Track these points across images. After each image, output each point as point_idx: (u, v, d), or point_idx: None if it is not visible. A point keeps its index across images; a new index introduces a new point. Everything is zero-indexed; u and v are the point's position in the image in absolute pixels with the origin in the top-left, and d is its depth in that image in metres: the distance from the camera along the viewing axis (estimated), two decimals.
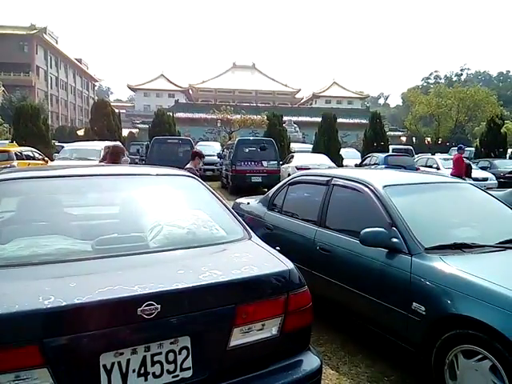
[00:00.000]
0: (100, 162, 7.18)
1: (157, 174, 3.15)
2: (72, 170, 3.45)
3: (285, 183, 4.88)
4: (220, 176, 17.56)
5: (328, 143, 21.65)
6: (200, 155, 7.08)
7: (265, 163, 14.43)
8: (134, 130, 45.14)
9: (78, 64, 66.98)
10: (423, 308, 2.76)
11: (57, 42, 59.18)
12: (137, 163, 24.36)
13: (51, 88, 57.01)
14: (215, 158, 19.48)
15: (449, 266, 2.77)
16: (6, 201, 2.64)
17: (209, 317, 1.90)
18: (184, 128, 33.31)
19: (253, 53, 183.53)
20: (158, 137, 16.72)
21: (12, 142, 19.59)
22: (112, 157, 6.06)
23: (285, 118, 27.01)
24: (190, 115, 43.31)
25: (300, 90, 77.31)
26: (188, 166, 6.80)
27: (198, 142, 23.27)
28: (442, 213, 3.64)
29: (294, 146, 23.41)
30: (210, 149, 22.07)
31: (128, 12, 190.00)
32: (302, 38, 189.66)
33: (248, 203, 5.45)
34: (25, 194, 2.68)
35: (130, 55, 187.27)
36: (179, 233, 2.39)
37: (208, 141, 29.79)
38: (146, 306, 1.73)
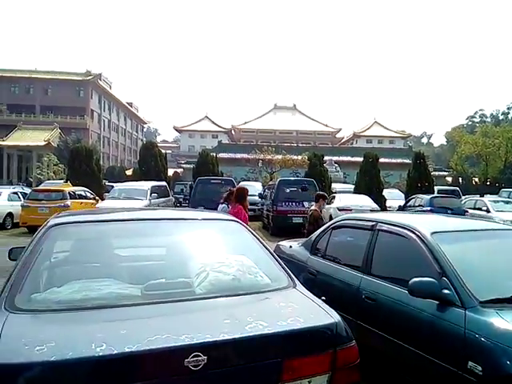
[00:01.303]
0: (222, 203, 7.37)
1: (202, 219, 3.22)
2: (121, 214, 3.61)
3: (328, 227, 4.82)
4: (261, 216, 17.64)
5: (370, 184, 21.37)
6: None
7: (306, 204, 14.38)
8: (179, 170, 46.68)
9: (129, 107, 71.14)
10: (480, 368, 2.58)
11: (110, 87, 63.43)
12: (181, 202, 25.09)
13: (104, 130, 60.66)
14: (256, 198, 19.68)
15: (507, 322, 2.62)
16: (60, 244, 2.73)
17: (255, 371, 1.86)
18: (226, 168, 34.11)
19: (294, 93, 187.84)
20: (202, 177, 17.20)
21: (66, 181, 20.80)
22: (237, 198, 6.40)
23: (325, 158, 27.09)
24: (232, 155, 44.37)
25: (340, 129, 77.78)
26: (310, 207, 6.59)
27: (239, 181, 23.70)
28: (497, 263, 3.45)
29: (335, 186, 23.31)
30: (252, 189, 22.17)
31: (176, 57, 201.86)
32: (342, 77, 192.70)
33: (290, 247, 5.39)
34: (77, 237, 2.81)
35: (177, 98, 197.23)
36: (224, 279, 2.40)
37: (249, 180, 30.24)
38: (193, 357, 1.72)
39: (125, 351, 1.68)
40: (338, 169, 32.59)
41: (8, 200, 16.03)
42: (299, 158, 34.47)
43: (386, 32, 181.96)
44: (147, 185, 17.51)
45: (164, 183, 20.42)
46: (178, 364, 1.72)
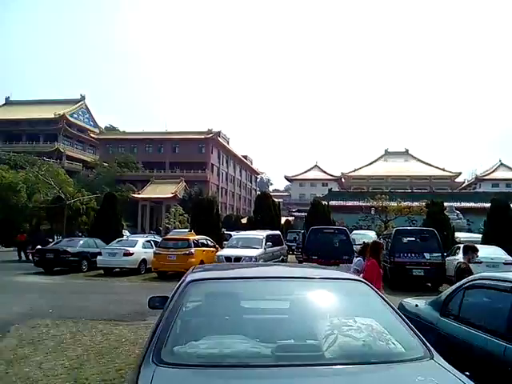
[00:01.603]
0: (357, 256, 7.52)
1: (327, 278, 3.22)
2: (248, 270, 3.88)
3: (460, 286, 4.40)
4: None
5: (501, 233, 19.33)
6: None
7: (427, 255, 13.61)
8: (291, 218, 47.63)
9: (244, 160, 75.99)
10: None
11: (228, 143, 68.91)
12: (293, 250, 25.53)
13: (222, 182, 65.51)
14: None
15: None
16: (195, 298, 2.88)
17: None
18: (337, 215, 33.94)
19: (406, 137, 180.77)
20: (315, 227, 17.43)
21: (190, 230, 22.77)
22: (371, 252, 6.61)
23: (445, 205, 25.42)
24: (342, 203, 44.02)
25: (460, 173, 72.28)
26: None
27: (351, 229, 23.39)
28: None
29: (458, 235, 21.55)
30: (365, 237, 21.87)
31: (287, 110, 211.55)
32: (460, 116, 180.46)
33: (416, 305, 5.06)
34: (210, 292, 2.96)
35: (288, 148, 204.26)
36: (354, 344, 2.32)
37: (362, 229, 29.58)
38: None
39: None
40: (461, 216, 30.12)
41: (142, 247, 18.04)
42: (415, 204, 32.83)
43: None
44: (262, 234, 18.30)
45: (278, 232, 21.13)
46: None
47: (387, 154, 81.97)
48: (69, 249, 17.73)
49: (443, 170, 74.93)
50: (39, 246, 19.51)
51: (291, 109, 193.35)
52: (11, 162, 37.99)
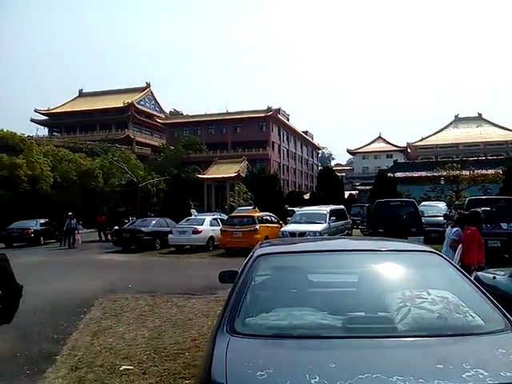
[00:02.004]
0: (453, 226, 7.14)
1: (397, 250, 3.11)
2: (314, 244, 3.89)
3: None
4: None
5: None
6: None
7: (504, 225, 12.74)
8: (354, 192, 46.67)
9: (305, 136, 75.04)
10: None
11: (288, 119, 68.32)
12: (358, 224, 25.11)
13: (283, 159, 65.41)
14: (441, 219, 18.31)
15: None
16: (264, 272, 2.91)
17: None
18: (403, 188, 32.64)
19: (478, 101, 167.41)
20: (381, 199, 16.94)
21: (254, 207, 23.18)
22: (472, 221, 6.37)
23: None
24: (409, 174, 42.18)
25: None
26: None
27: (419, 201, 22.38)
28: None
29: None
30: (435, 209, 20.90)
31: (346, 81, 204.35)
32: None
33: (494, 277, 4.87)
34: (278, 266, 3.02)
35: (349, 121, 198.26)
36: (429, 317, 2.24)
37: (430, 200, 28.21)
38: None
39: None
40: None
41: (210, 225, 18.75)
42: (490, 172, 30.61)
43: None
44: (326, 209, 18.17)
45: (342, 206, 20.83)
46: None
47: (458, 120, 76.49)
48: (143, 228, 18.93)
49: None
50: (116, 227, 21.03)
51: (351, 80, 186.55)
52: (88, 150, 40.87)
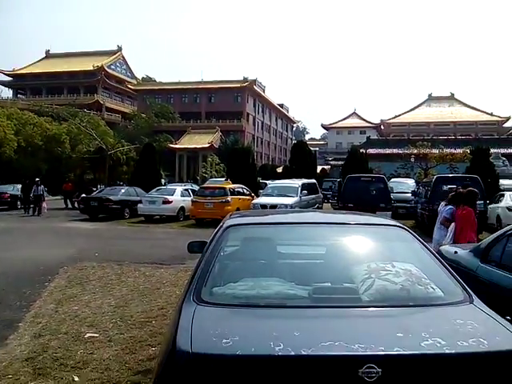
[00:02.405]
0: (447, 204, 7.15)
1: (365, 223, 3.15)
2: (284, 216, 3.87)
3: (504, 233, 4.26)
4: (415, 214, 16.82)
5: None
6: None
7: None
8: (327, 167, 47.18)
9: (280, 108, 74.51)
10: None
11: (264, 91, 67.45)
12: (329, 199, 25.47)
13: (257, 131, 64.95)
14: (409, 195, 18.81)
15: None
16: (233, 243, 2.92)
17: None
18: (375, 164, 33.19)
19: (450, 81, 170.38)
20: (352, 175, 17.17)
21: (227, 179, 23.09)
22: (468, 200, 6.30)
23: (491, 151, 24.22)
24: (381, 151, 42.90)
25: (509, 118, 67.83)
26: None
27: (389, 177, 22.85)
28: None
29: (503, 182, 20.66)
30: (404, 185, 21.43)
31: (323, 55, 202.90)
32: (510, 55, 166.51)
33: (456, 252, 4.94)
34: (247, 237, 3.01)
35: (325, 96, 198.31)
36: (392, 288, 2.29)
37: (399, 177, 28.88)
38: (366, 368, 1.64)
39: (301, 354, 1.69)
40: (507, 163, 28.69)
41: (181, 196, 18.56)
42: (458, 151, 31.47)
43: None
44: (298, 182, 18.29)
45: (313, 180, 21.02)
46: (351, 373, 1.66)
47: (431, 98, 77.75)
48: (111, 197, 18.54)
49: (491, 114, 70.51)
50: (84, 195, 20.51)
51: (328, 54, 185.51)
52: (54, 114, 39.21)
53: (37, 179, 21.10)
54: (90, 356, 4.00)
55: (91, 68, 61.82)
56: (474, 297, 2.30)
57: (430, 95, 78.37)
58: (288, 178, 23.51)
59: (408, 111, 75.71)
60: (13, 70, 66.63)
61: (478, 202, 12.94)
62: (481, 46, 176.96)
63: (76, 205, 21.61)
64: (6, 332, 4.64)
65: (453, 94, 77.31)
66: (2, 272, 7.48)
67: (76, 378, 3.55)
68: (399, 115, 74.62)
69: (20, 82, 66.30)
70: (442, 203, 7.61)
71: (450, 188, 7.45)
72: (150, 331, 4.68)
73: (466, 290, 2.35)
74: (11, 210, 21.77)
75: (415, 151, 33.46)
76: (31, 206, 20.60)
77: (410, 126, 69.62)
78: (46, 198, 21.80)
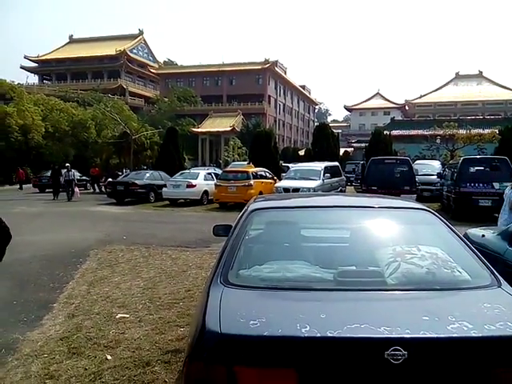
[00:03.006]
0: None
1: (390, 207, 3.14)
2: (309, 200, 3.87)
3: None
4: (440, 197, 16.50)
5: None
6: None
7: (496, 185, 12.83)
8: (349, 149, 46.49)
9: (302, 90, 73.48)
10: None
11: (285, 73, 66.55)
12: (352, 181, 25.23)
13: (279, 114, 64.41)
14: (435, 177, 18.43)
15: None
16: (258, 226, 2.94)
17: (457, 375, 1.73)
18: (399, 145, 32.53)
19: (479, 60, 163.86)
20: (375, 157, 16.92)
21: (249, 163, 23.10)
22: None
23: None
24: (405, 132, 41.92)
25: None
26: None
27: (413, 159, 22.38)
28: None
29: None
30: (429, 167, 20.96)
31: (346, 36, 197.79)
32: None
33: (483, 236, 4.88)
34: (273, 220, 3.04)
35: (348, 77, 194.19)
36: (418, 272, 2.30)
37: (425, 158, 28.25)
38: (392, 350, 1.66)
39: (327, 335, 1.71)
40: None
41: (204, 180, 18.75)
42: (487, 131, 30.46)
43: None
44: (321, 165, 18.15)
45: (336, 163, 20.83)
46: (377, 355, 1.67)
47: (458, 77, 75.03)
48: (137, 181, 18.90)
49: None
50: (110, 179, 20.96)
51: (351, 33, 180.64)
52: (79, 99, 39.84)
53: (67, 164, 21.53)
54: (121, 336, 4.18)
55: (114, 52, 62.17)
56: (502, 280, 2.27)
57: (457, 73, 75.67)
58: (310, 160, 23.37)
59: (434, 91, 73.40)
60: (37, 56, 67.76)
61: (506, 184, 12.80)
62: (510, 21, 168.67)
63: (103, 189, 22.12)
64: (40, 312, 4.86)
65: (481, 72, 74.39)
66: (35, 255, 7.78)
67: (109, 357, 3.71)
68: (425, 95, 72.46)
69: (45, 68, 67.38)
70: (509, 186, 7.48)
71: None
72: (177, 312, 4.83)
73: (493, 273, 2.32)
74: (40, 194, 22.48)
75: (441, 132, 32.57)
76: (60, 190, 20.92)
77: (435, 106, 67.60)
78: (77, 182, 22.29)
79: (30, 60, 67.99)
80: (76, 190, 20.76)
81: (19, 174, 27.88)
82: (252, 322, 1.79)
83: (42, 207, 17.38)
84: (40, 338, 4.16)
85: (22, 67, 67.39)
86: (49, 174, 23.58)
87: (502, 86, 70.33)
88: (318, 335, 1.71)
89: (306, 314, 1.90)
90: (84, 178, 27.01)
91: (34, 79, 67.51)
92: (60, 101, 37.03)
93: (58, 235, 10.22)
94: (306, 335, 1.71)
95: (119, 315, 4.75)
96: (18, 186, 27.18)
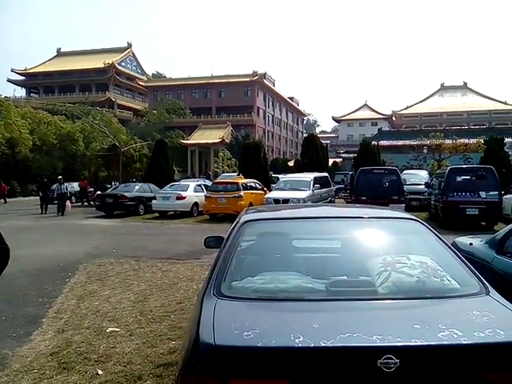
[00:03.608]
0: None
1: (379, 217, 3.18)
2: (299, 211, 3.91)
3: None
4: (428, 207, 16.70)
5: None
6: None
7: (482, 194, 13.07)
8: (338, 160, 46.87)
9: (290, 102, 74.13)
10: None
11: (274, 85, 67.17)
12: (341, 191, 25.38)
13: (268, 125, 64.83)
14: (422, 187, 18.66)
15: None
16: (250, 238, 2.94)
17: (448, 382, 1.77)
18: (387, 155, 32.86)
19: (464, 71, 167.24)
20: (364, 167, 17.08)
21: (239, 174, 23.12)
22: None
23: (506, 141, 23.82)
24: (393, 142, 42.46)
25: None
26: None
27: (401, 169, 22.65)
28: None
29: None
30: (417, 177, 21.24)
31: (333, 47, 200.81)
32: None
33: (471, 244, 4.92)
34: (264, 232, 3.04)
35: (335, 88, 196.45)
36: (408, 281, 2.33)
37: (412, 168, 28.61)
38: (384, 358, 1.68)
39: (320, 345, 1.72)
40: None
41: (194, 191, 18.68)
42: (472, 141, 31.01)
43: None
44: (310, 176, 18.25)
45: (325, 174, 20.96)
46: (370, 364, 1.70)
47: (443, 88, 76.53)
48: (126, 194, 18.77)
49: (505, 103, 69.08)
50: (99, 192, 20.78)
51: (338, 46, 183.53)
52: (67, 112, 39.59)
53: (60, 177, 21.09)
54: (112, 350, 4.13)
55: (102, 65, 62.32)
56: (490, 288, 2.30)
57: (442, 85, 77.20)
58: (300, 171, 23.48)
59: (420, 102, 74.70)
60: (25, 69, 67.50)
61: (492, 193, 13.06)
62: (494, 33, 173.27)
63: (91, 202, 21.90)
64: (30, 328, 4.78)
65: (466, 83, 76.04)
66: (23, 269, 7.65)
67: (100, 372, 3.66)
68: (411, 106, 73.68)
69: (32, 81, 67.12)
70: None
71: None
72: (169, 325, 4.79)
73: (481, 281, 2.35)
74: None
75: (428, 142, 33.02)
76: (48, 204, 20.45)
77: (422, 116, 68.73)
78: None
79: (17, 73, 67.66)
80: (67, 203, 20.16)
81: (1, 188, 27.05)
82: (246, 333, 1.80)
83: (30, 221, 17.15)
84: (30, 353, 4.10)
85: (8, 80, 67.07)
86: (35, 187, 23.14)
87: (486, 97, 71.90)
88: (312, 345, 1.72)
89: (299, 324, 1.91)
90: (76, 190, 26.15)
91: (21, 92, 67.21)
92: (48, 114, 36.85)
93: (46, 249, 10.08)
94: (299, 345, 1.72)
95: (109, 329, 4.69)
96: (2, 201, 26.43)
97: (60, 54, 70.67)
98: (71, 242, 11.42)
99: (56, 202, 20.19)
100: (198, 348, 1.79)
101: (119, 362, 3.85)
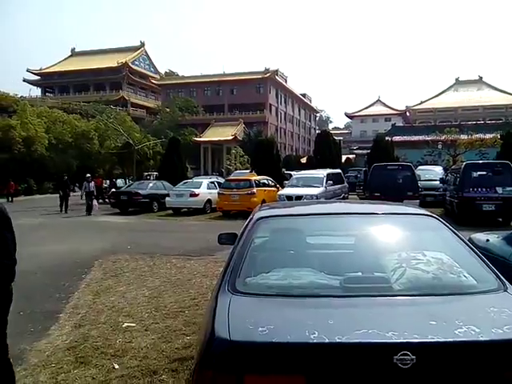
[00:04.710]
0: None
1: (395, 213, 3.15)
2: (313, 207, 3.93)
3: None
4: (443, 203, 16.48)
5: None
6: None
7: (499, 189, 12.83)
8: (351, 156, 46.55)
9: (303, 98, 73.75)
10: None
11: (286, 81, 66.89)
12: (355, 188, 25.22)
13: (280, 122, 64.60)
14: (437, 182, 18.42)
15: None
16: (264, 234, 2.95)
17: (467, 379, 1.75)
18: (401, 151, 32.49)
19: (479, 65, 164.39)
20: (378, 164, 16.92)
21: (251, 171, 23.16)
22: None
23: None
24: (407, 138, 41.90)
25: None
26: None
27: (415, 165, 22.36)
28: None
29: None
30: (431, 173, 20.98)
31: (345, 43, 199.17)
32: None
33: (487, 240, 4.90)
34: (278, 228, 3.04)
35: (348, 84, 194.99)
36: (424, 277, 2.32)
37: (427, 164, 28.24)
38: (401, 355, 1.67)
39: (336, 341, 1.72)
40: None
41: (207, 188, 18.80)
42: (488, 136, 30.45)
43: None
44: (323, 173, 18.20)
45: (338, 170, 20.87)
46: (386, 360, 1.68)
47: (458, 83, 75.21)
48: (140, 191, 18.97)
49: None
50: (113, 189, 21.00)
51: (351, 41, 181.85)
52: (82, 111, 40.14)
53: (87, 175, 19.84)
54: (128, 344, 4.18)
55: (115, 64, 62.73)
56: (508, 284, 2.27)
57: (457, 79, 75.90)
58: (312, 168, 23.39)
59: (434, 96, 73.58)
60: (40, 69, 68.38)
61: (509, 189, 12.80)
62: (509, 26, 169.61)
63: (107, 199, 22.15)
64: (47, 323, 4.87)
65: (481, 78, 74.59)
66: (40, 265, 7.80)
67: (116, 366, 3.72)
68: (425, 101, 72.63)
69: (48, 81, 67.99)
70: None
71: None
72: (183, 321, 4.84)
73: (499, 277, 2.32)
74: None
75: (443, 137, 32.53)
76: (68, 202, 19.46)
77: (436, 111, 67.71)
78: (75, 193, 21.98)
79: (33, 73, 68.60)
80: (95, 203, 19.16)
81: (9, 187, 26.44)
82: (261, 329, 1.80)
83: (44, 218, 17.41)
84: (47, 348, 4.17)
85: (24, 80, 68.00)
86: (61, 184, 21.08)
87: (502, 91, 70.46)
88: (327, 341, 1.72)
89: (313, 320, 1.91)
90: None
91: (36, 92, 68.13)
92: (63, 113, 37.36)
93: (63, 246, 10.25)
94: (314, 341, 1.71)
95: (125, 324, 4.76)
96: (7, 199, 25.14)
97: (74, 53, 71.41)
98: (87, 238, 11.59)
99: (83, 200, 19.06)
100: (214, 344, 1.80)
101: (135, 357, 3.90)
